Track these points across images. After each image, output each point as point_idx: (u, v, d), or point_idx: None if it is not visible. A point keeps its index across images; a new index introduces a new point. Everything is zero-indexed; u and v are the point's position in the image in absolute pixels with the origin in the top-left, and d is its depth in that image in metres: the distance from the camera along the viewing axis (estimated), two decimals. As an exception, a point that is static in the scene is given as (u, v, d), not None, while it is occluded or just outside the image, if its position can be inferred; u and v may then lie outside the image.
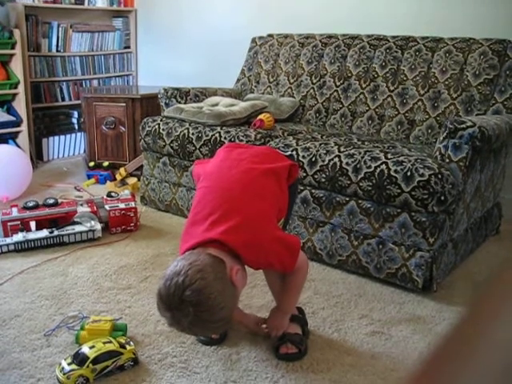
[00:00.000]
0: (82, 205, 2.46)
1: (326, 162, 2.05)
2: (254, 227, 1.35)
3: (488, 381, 0.22)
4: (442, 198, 1.79)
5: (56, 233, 2.27)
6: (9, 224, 2.28)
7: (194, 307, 1.19)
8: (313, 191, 2.12)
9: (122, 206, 2.47)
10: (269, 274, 1.58)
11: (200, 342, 1.58)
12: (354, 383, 1.42)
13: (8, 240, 2.21)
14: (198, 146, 2.49)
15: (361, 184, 1.95)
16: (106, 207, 2.46)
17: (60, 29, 3.87)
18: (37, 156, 3.77)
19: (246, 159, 1.51)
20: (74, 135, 4.01)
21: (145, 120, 2.79)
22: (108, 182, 3.22)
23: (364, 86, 2.73)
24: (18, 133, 3.51)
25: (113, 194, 2.57)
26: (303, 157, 2.12)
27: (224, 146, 1.65)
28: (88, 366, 1.37)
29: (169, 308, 1.22)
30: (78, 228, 2.32)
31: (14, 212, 2.32)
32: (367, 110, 2.70)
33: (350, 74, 2.80)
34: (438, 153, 1.94)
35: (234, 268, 1.29)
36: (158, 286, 1.25)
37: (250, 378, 1.43)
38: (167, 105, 2.94)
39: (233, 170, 1.46)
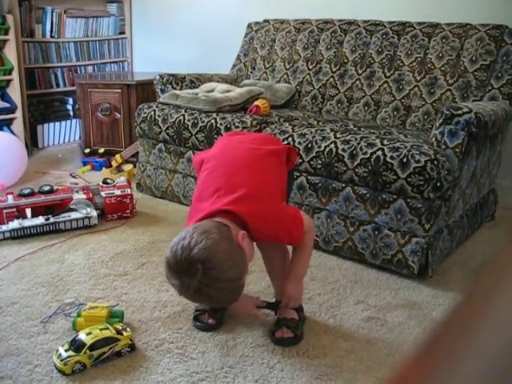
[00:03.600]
0: (77, 192, 2.45)
1: (322, 149, 2.05)
2: (260, 198, 1.38)
3: (484, 365, 0.23)
4: (438, 184, 1.79)
5: (52, 220, 2.27)
6: (4, 211, 2.27)
7: (202, 264, 1.20)
8: (309, 177, 2.12)
9: (117, 192, 2.46)
10: (268, 249, 1.57)
11: (196, 327, 1.59)
12: (349, 368, 1.43)
13: (4, 227, 2.21)
14: (193, 133, 2.49)
15: (357, 170, 1.95)
16: (102, 194, 2.45)
17: (54, 14, 3.83)
18: (32, 143, 3.75)
19: (248, 141, 1.57)
20: (69, 122, 3.99)
21: (140, 106, 2.77)
22: (104, 168, 3.21)
23: (360, 71, 2.72)
24: (12, 119, 3.49)
25: (108, 180, 2.57)
26: (299, 143, 2.12)
27: (225, 134, 1.68)
28: (85, 353, 1.38)
29: (177, 273, 1.23)
30: (73, 215, 2.32)
31: (10, 199, 2.32)
32: (363, 96, 2.69)
33: (346, 60, 2.78)
34: (434, 139, 1.94)
35: (239, 233, 1.30)
36: (165, 256, 1.26)
37: (246, 364, 1.44)
38: (163, 91, 2.92)
39: (236, 150, 1.51)
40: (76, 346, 1.39)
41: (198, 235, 1.23)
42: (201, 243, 1.22)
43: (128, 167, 3.15)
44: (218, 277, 1.22)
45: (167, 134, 2.59)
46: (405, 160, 1.83)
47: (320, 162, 2.05)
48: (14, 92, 3.45)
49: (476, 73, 2.37)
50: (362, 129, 2.24)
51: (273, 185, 1.47)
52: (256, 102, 2.57)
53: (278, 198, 1.47)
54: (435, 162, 1.79)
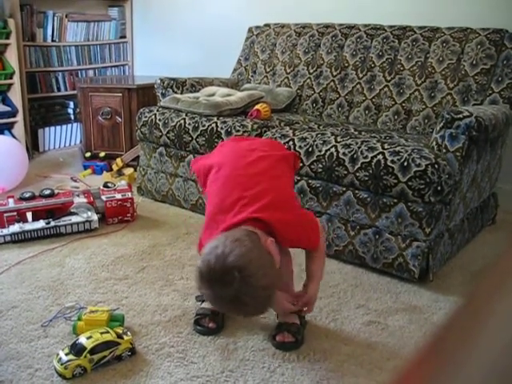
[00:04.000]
0: (78, 195, 2.45)
1: (322, 152, 2.05)
2: (283, 205, 1.40)
3: (484, 369, 0.23)
4: (439, 188, 1.79)
5: (52, 224, 2.27)
6: (5, 215, 2.27)
7: (239, 272, 1.19)
8: (309, 181, 2.12)
9: (118, 196, 2.46)
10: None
11: (197, 331, 1.59)
12: (350, 373, 1.43)
13: (4, 231, 2.21)
14: (194, 137, 2.49)
15: (357, 174, 1.95)
16: (103, 198, 2.45)
17: (55, 18, 3.84)
18: (33, 147, 3.75)
19: (258, 148, 1.56)
20: (70, 126, 3.99)
21: (141, 110, 2.78)
22: (104, 172, 3.22)
23: (361, 75, 2.72)
24: (13, 123, 3.49)
25: (109, 184, 2.57)
26: (300, 147, 2.12)
27: (228, 139, 1.67)
28: (85, 357, 1.37)
29: (211, 282, 1.21)
30: (74, 219, 2.32)
31: (11, 203, 2.32)
32: (364, 100, 2.69)
33: (346, 64, 2.79)
34: (434, 143, 1.94)
35: (268, 240, 1.30)
36: (197, 268, 1.24)
37: (246, 368, 1.43)
38: (163, 95, 2.93)
39: (248, 158, 1.50)
40: (76, 349, 1.39)
41: (231, 243, 1.22)
42: (235, 251, 1.20)
43: (129, 171, 3.15)
44: (254, 284, 1.20)
45: (168, 137, 2.60)
46: (405, 164, 1.83)
47: (321, 165, 2.05)
48: (15, 96, 3.46)
49: (476, 77, 2.37)
50: (363, 133, 2.24)
51: (290, 190, 1.50)
52: (257, 106, 2.57)
53: (296, 204, 1.50)
54: (436, 166, 1.79)
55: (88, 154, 3.39)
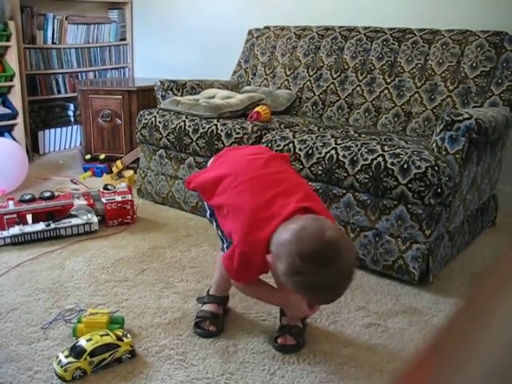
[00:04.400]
0: (78, 198, 2.45)
1: (322, 155, 2.05)
2: (315, 198, 1.44)
3: (485, 370, 0.23)
4: (439, 190, 1.79)
5: (52, 226, 2.27)
6: (5, 217, 2.27)
7: (352, 248, 1.24)
8: (309, 183, 2.12)
9: (118, 198, 2.46)
10: None
11: (197, 334, 1.59)
12: (350, 375, 1.43)
13: (4, 233, 2.21)
14: (194, 139, 2.49)
15: (357, 176, 1.95)
16: (103, 200, 2.45)
17: (55, 21, 3.85)
18: (33, 149, 3.76)
19: (259, 153, 1.57)
20: (70, 128, 4.00)
21: (141, 112, 2.78)
22: (104, 174, 3.22)
23: (361, 78, 2.72)
24: (13, 125, 3.50)
25: (109, 186, 2.57)
26: (300, 149, 2.12)
27: (220, 153, 1.65)
28: (85, 359, 1.37)
29: (338, 253, 1.19)
30: (74, 221, 2.32)
31: (11, 205, 2.32)
32: (364, 103, 2.69)
33: (346, 67, 2.79)
34: (434, 145, 1.94)
35: None
36: (310, 249, 1.18)
37: (246, 370, 1.43)
38: (163, 97, 2.93)
39: (258, 161, 1.49)
40: (76, 352, 1.38)
41: (315, 222, 1.23)
42: (328, 224, 1.23)
43: (129, 173, 3.15)
44: (356, 251, 1.27)
45: (168, 140, 2.60)
46: (405, 166, 1.83)
47: (321, 168, 2.05)
48: (16, 98, 3.46)
49: (476, 79, 2.37)
50: (363, 135, 2.24)
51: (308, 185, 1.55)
52: (257, 109, 2.57)
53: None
54: (436, 168, 1.79)
55: (88, 157, 3.39)
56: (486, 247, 2.33)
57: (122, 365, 1.43)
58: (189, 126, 2.52)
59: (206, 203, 1.58)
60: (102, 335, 1.44)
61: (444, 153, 1.90)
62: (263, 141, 2.29)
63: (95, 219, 2.36)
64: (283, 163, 1.55)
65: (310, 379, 1.40)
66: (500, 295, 0.26)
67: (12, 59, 3.40)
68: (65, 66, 3.99)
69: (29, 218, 2.29)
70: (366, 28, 2.80)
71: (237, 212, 1.39)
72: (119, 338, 1.45)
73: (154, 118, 2.68)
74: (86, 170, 3.32)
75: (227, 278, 1.54)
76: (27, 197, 2.37)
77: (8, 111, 3.44)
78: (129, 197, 2.49)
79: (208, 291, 1.72)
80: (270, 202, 1.35)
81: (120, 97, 3.32)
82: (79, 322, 1.57)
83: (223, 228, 1.47)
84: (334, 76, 2.82)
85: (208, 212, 1.58)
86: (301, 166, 2.10)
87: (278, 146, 2.20)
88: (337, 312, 1.75)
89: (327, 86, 2.84)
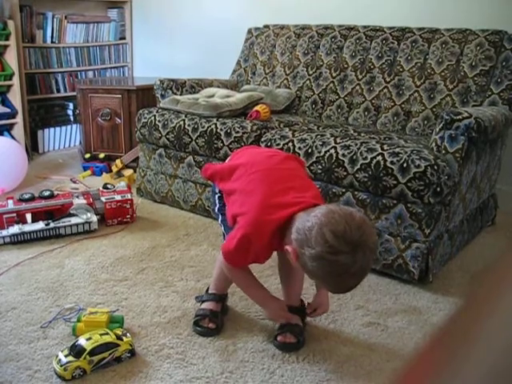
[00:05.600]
0: (77, 197, 2.45)
1: (322, 154, 2.05)
2: (322, 199, 1.45)
3: (485, 369, 0.23)
4: (438, 189, 1.79)
5: (52, 225, 2.26)
6: (4, 216, 2.27)
7: (373, 234, 1.24)
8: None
9: (118, 197, 2.46)
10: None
11: (197, 333, 1.59)
12: (350, 374, 1.43)
13: (4, 232, 2.21)
14: (193, 138, 2.49)
15: (357, 175, 1.95)
16: (102, 199, 2.45)
17: (55, 20, 3.84)
18: (32, 148, 3.75)
19: (277, 152, 1.64)
20: (69, 127, 4.00)
21: (140, 111, 2.78)
22: (104, 173, 3.21)
23: (360, 77, 2.72)
24: (13, 124, 3.49)
25: (109, 185, 2.57)
26: (299, 148, 2.12)
27: (237, 150, 1.72)
28: (85, 358, 1.37)
29: (357, 241, 1.18)
30: (74, 220, 2.32)
31: (10, 204, 2.32)
32: (363, 102, 2.69)
33: (346, 65, 2.79)
34: (434, 144, 1.94)
35: None
36: (338, 227, 1.19)
37: (246, 369, 1.43)
38: (163, 96, 2.93)
39: (276, 158, 1.54)
40: (76, 351, 1.38)
41: (352, 208, 1.27)
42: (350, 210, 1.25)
43: (128, 172, 3.15)
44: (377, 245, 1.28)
45: (167, 139, 2.60)
46: (405, 165, 1.83)
47: (320, 167, 2.05)
48: (15, 97, 3.46)
49: (476, 78, 2.37)
50: (362, 134, 2.24)
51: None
52: (256, 108, 2.57)
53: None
54: (435, 167, 1.79)
55: (87, 156, 3.39)
56: (485, 246, 2.33)
57: (121, 364, 1.43)
58: (188, 125, 2.52)
59: (216, 196, 1.60)
60: (101, 334, 1.44)
61: (443, 152, 1.90)
62: (263, 140, 2.29)
63: (95, 218, 2.36)
64: (298, 165, 1.57)
65: (309, 378, 1.40)
66: (499, 294, 0.26)
67: (11, 58, 3.39)
68: (64, 65, 3.99)
69: (28, 217, 2.29)
70: (365, 27, 2.80)
71: (249, 196, 1.41)
72: (119, 337, 1.45)
73: (153, 117, 2.67)
74: (85, 169, 3.32)
75: (226, 276, 1.54)
76: (27, 196, 2.37)
77: (7, 110, 3.44)
78: (128, 196, 2.49)
79: (207, 290, 1.73)
80: (284, 192, 1.38)
81: (119, 96, 3.32)
82: (79, 321, 1.57)
83: (229, 213, 1.47)
84: (334, 75, 2.82)
85: (217, 206, 1.60)
86: (300, 165, 2.10)
87: (278, 144, 2.20)
88: (336, 311, 1.75)
89: (327, 85, 2.84)
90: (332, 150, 2.03)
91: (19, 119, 3.48)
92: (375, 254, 1.26)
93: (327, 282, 1.29)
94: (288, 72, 3.02)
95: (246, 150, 1.69)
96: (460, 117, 1.86)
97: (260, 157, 1.55)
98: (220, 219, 1.57)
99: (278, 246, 1.38)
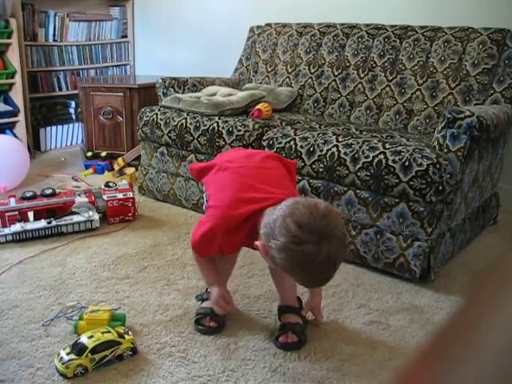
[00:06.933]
0: (79, 195, 2.45)
1: (324, 152, 2.05)
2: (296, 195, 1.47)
3: (486, 368, 0.23)
4: (440, 187, 1.79)
5: (54, 223, 2.27)
6: (6, 214, 2.27)
7: (339, 216, 1.24)
8: (311, 181, 2.12)
9: (119, 196, 2.47)
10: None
11: (198, 331, 1.59)
12: (351, 372, 1.43)
13: (6, 230, 2.21)
14: (195, 136, 2.49)
15: (359, 174, 1.95)
16: (104, 197, 2.46)
17: (57, 18, 3.84)
18: (34, 146, 3.76)
19: (260, 152, 1.69)
20: (71, 125, 4.00)
21: (142, 110, 2.78)
22: (106, 172, 3.22)
23: (362, 75, 2.72)
24: (15, 123, 3.50)
25: (111, 184, 2.57)
26: (301, 146, 2.12)
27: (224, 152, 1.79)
28: (87, 356, 1.37)
29: (322, 231, 1.18)
30: (75, 218, 2.32)
31: (12, 202, 2.32)
32: (365, 100, 2.69)
33: (348, 64, 2.79)
34: (436, 143, 1.93)
35: None
36: (301, 217, 1.19)
37: (247, 368, 1.43)
38: (165, 94, 2.93)
39: (255, 157, 1.58)
40: (78, 349, 1.39)
41: (317, 199, 1.30)
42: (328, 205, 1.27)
43: (130, 170, 3.16)
44: (343, 223, 1.27)
45: (169, 137, 2.60)
46: (407, 164, 1.83)
47: (322, 165, 2.05)
48: (17, 95, 3.46)
49: (478, 76, 2.37)
50: (364, 132, 2.24)
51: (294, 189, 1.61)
52: (258, 106, 2.57)
53: None
54: (437, 166, 1.79)
55: (89, 154, 3.39)
56: (487, 245, 2.33)
57: (123, 362, 1.43)
58: (190, 124, 2.52)
59: (204, 194, 1.64)
60: (103, 332, 1.44)
61: (445, 150, 1.89)
62: (264, 138, 2.29)
63: (96, 216, 2.36)
64: (279, 164, 1.58)
65: (310, 376, 1.40)
66: (502, 293, 0.26)
67: (13, 56, 3.40)
68: (66, 63, 3.99)
69: (30, 215, 2.29)
70: (367, 25, 2.79)
71: (220, 191, 1.47)
72: (120, 335, 1.45)
73: (155, 116, 2.67)
74: (87, 167, 3.33)
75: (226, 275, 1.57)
76: (29, 194, 2.37)
77: (9, 108, 3.44)
78: (130, 194, 2.49)
79: (207, 289, 1.72)
80: (256, 189, 1.41)
81: (121, 94, 3.32)
82: (80, 319, 1.57)
83: (205, 207, 1.55)
84: (336, 73, 2.82)
85: (205, 203, 1.62)
86: (302, 164, 2.10)
87: (280, 143, 2.20)
88: (338, 309, 1.75)
89: (329, 84, 2.84)
90: (334, 149, 2.03)
91: (21, 117, 3.48)
92: (345, 244, 1.24)
93: (297, 275, 1.28)
94: (290, 70, 3.01)
95: (230, 151, 1.76)
96: (462, 115, 1.86)
97: (239, 155, 1.61)
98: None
99: (248, 241, 1.41)
